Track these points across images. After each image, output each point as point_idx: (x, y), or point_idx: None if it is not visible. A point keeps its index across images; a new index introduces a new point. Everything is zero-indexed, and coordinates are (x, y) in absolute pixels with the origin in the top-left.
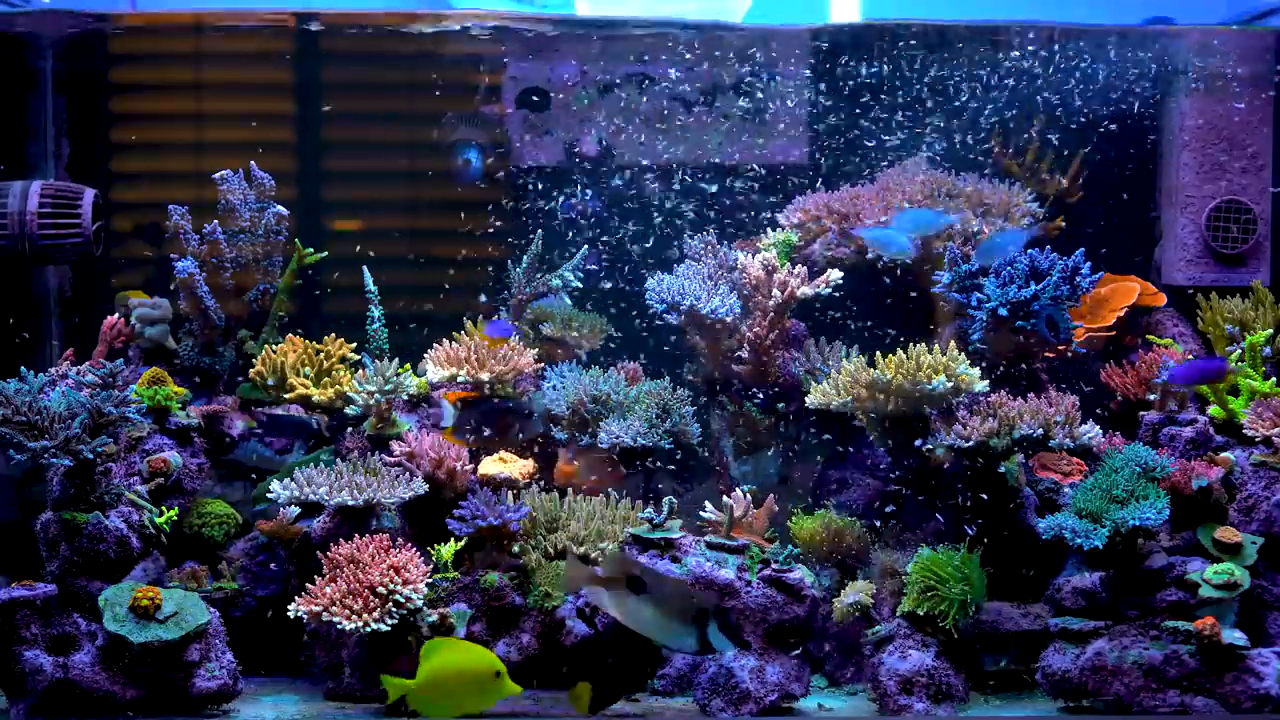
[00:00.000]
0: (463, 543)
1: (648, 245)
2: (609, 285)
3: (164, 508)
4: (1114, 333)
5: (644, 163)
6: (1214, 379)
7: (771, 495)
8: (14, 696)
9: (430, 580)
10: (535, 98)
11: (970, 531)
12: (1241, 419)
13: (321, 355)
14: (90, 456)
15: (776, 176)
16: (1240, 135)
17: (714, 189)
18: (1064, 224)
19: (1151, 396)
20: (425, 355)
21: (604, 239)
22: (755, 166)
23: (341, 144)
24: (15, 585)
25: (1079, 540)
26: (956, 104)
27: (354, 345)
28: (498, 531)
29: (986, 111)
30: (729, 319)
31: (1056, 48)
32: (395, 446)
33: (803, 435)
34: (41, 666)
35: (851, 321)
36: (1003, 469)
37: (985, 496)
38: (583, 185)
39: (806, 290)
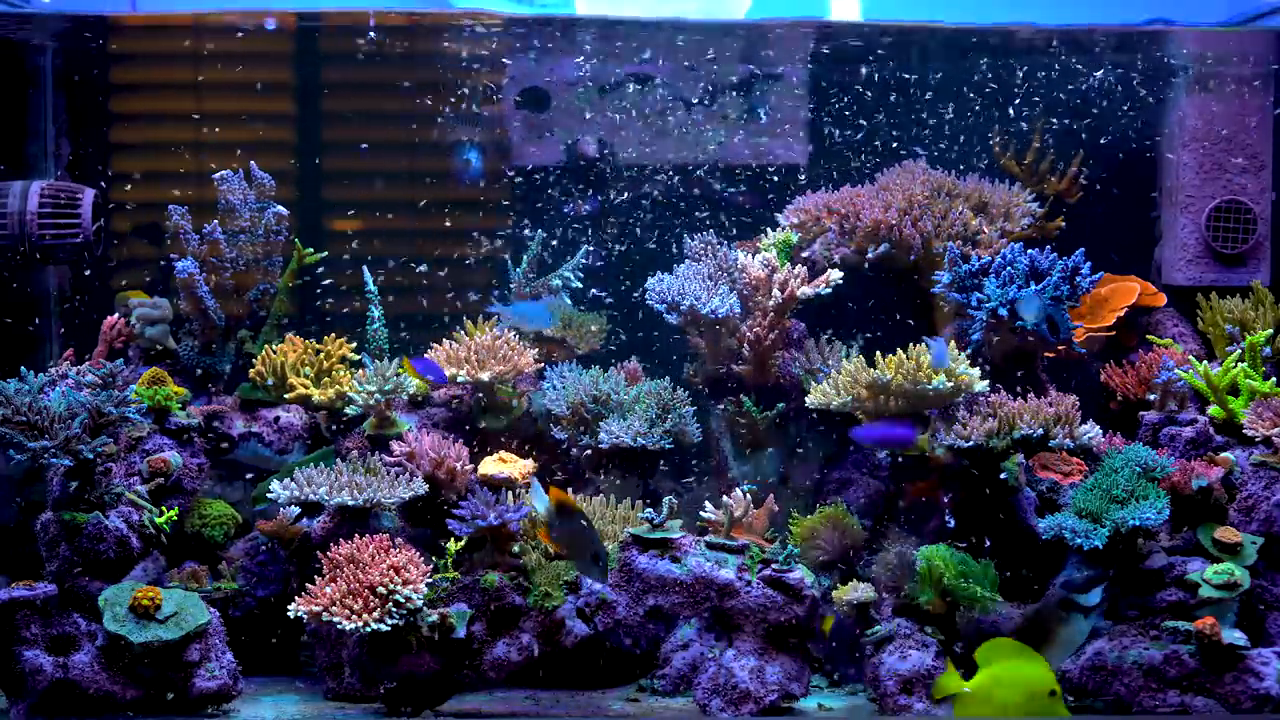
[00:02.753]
0: (463, 543)
1: (648, 245)
2: (603, 288)
3: (164, 508)
4: (1114, 333)
5: (644, 162)
6: (899, 447)
7: (771, 495)
8: (14, 696)
9: (430, 580)
10: (535, 98)
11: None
12: (1241, 419)
13: (321, 355)
14: (90, 456)
15: (776, 176)
16: (1240, 135)
17: (714, 188)
18: (1064, 224)
19: (1151, 396)
20: (425, 355)
21: (604, 238)
22: (755, 166)
23: (341, 144)
24: (15, 585)
25: (1079, 540)
26: (956, 104)
27: (354, 345)
28: (498, 531)
29: (986, 111)
30: (729, 318)
31: (1057, 46)
32: (395, 446)
33: (803, 435)
34: (41, 666)
35: (851, 321)
36: (1003, 470)
37: (982, 496)
38: (582, 185)
39: (806, 290)
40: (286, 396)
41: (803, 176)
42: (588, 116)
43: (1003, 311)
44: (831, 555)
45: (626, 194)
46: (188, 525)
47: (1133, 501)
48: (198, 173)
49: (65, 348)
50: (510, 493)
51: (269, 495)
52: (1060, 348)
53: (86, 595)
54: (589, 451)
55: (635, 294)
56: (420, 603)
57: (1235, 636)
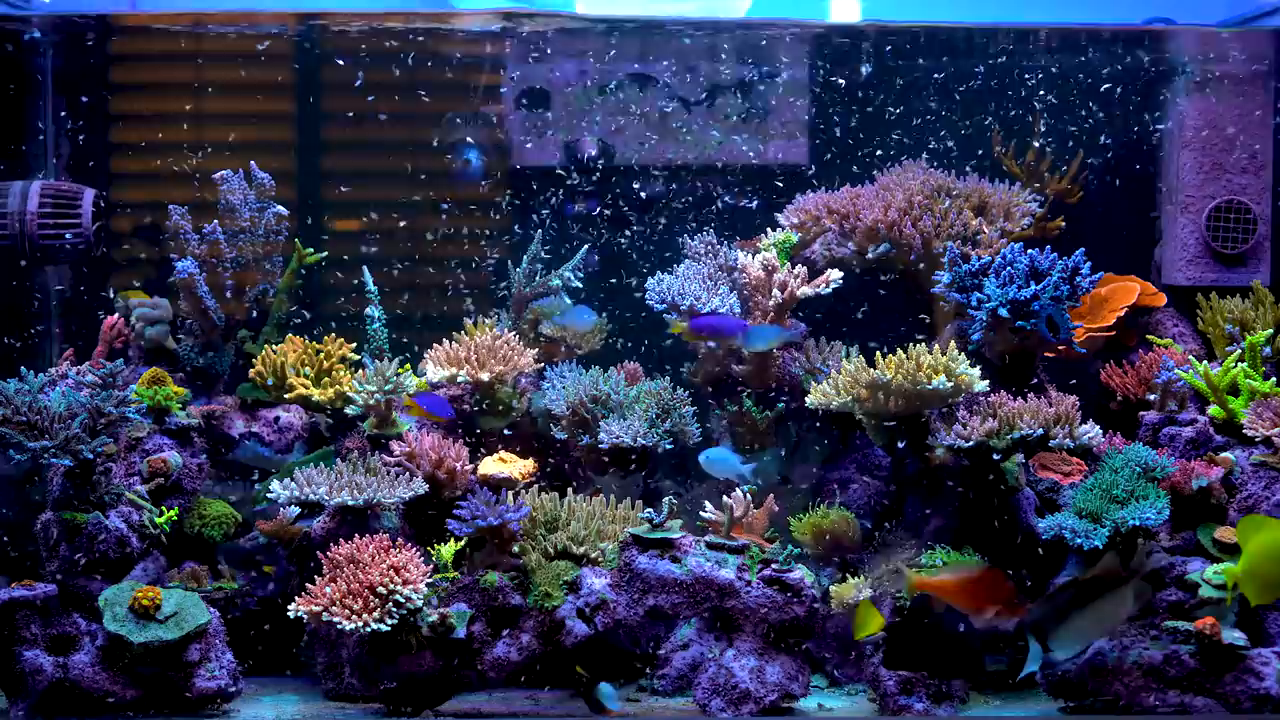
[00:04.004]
0: (463, 543)
1: (648, 245)
2: (607, 285)
3: (164, 508)
4: (1114, 333)
5: (644, 162)
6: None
7: (771, 495)
8: (14, 696)
9: (430, 580)
10: (535, 98)
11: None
12: (1241, 419)
13: (321, 355)
14: (90, 456)
15: (776, 176)
16: (1240, 135)
17: (714, 189)
18: (1064, 224)
19: (1151, 396)
20: (425, 355)
21: (604, 238)
22: (755, 166)
23: (341, 144)
24: (15, 585)
25: (1079, 540)
26: (956, 104)
27: (354, 345)
28: (498, 531)
29: (986, 111)
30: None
31: (1057, 46)
32: (395, 446)
33: (803, 435)
34: (41, 666)
35: (851, 322)
36: (1003, 470)
37: (972, 495)
38: (583, 185)
39: (806, 290)
40: (286, 396)
41: (804, 176)
42: (588, 116)
43: (1003, 311)
44: (832, 555)
45: (626, 194)
46: (188, 525)
47: (1133, 501)
48: (198, 173)
49: (65, 348)
50: (510, 493)
51: (269, 495)
52: (1060, 348)
53: (86, 595)
54: (589, 452)
55: (636, 293)
56: (420, 603)
57: (1235, 636)
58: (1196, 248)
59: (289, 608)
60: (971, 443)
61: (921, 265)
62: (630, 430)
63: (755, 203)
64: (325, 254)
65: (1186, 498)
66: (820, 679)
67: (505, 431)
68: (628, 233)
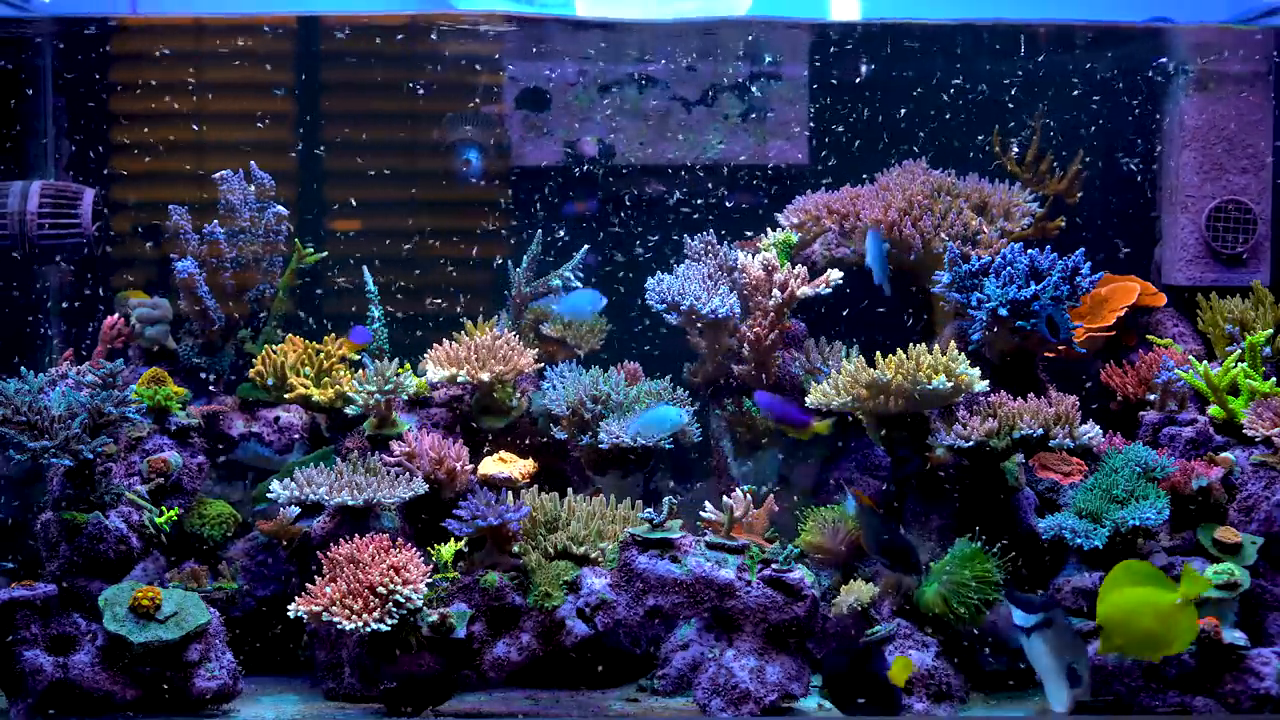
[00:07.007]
0: (463, 543)
1: (647, 245)
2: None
3: (164, 508)
4: (1114, 333)
5: (644, 162)
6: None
7: (771, 495)
8: (14, 696)
9: (430, 580)
10: (535, 98)
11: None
12: (1241, 419)
13: (321, 355)
14: (90, 456)
15: (776, 176)
16: (1240, 135)
17: (714, 188)
18: (1064, 224)
19: (1151, 396)
20: (425, 355)
21: (604, 238)
22: (755, 165)
23: (341, 144)
24: (15, 585)
25: (1079, 540)
26: (956, 102)
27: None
28: (498, 531)
29: (986, 110)
30: (729, 319)
31: (1057, 44)
32: (395, 446)
33: None
34: (41, 666)
35: (851, 322)
36: (1006, 471)
37: (972, 495)
38: (582, 185)
39: (806, 290)
40: (286, 396)
41: (804, 176)
42: (588, 116)
43: (1003, 311)
44: (834, 555)
45: (626, 194)
46: (188, 525)
47: (1133, 501)
48: (198, 173)
49: (65, 348)
50: (510, 493)
51: (269, 495)
52: (1060, 348)
53: (86, 595)
54: (589, 452)
55: (635, 294)
56: (420, 603)
57: (1235, 636)
58: (1196, 248)
59: (289, 608)
60: (971, 442)
61: (922, 264)
62: (630, 430)
63: (757, 201)
64: (325, 254)
65: (1186, 498)
66: (820, 679)
67: (505, 432)
68: (623, 230)
